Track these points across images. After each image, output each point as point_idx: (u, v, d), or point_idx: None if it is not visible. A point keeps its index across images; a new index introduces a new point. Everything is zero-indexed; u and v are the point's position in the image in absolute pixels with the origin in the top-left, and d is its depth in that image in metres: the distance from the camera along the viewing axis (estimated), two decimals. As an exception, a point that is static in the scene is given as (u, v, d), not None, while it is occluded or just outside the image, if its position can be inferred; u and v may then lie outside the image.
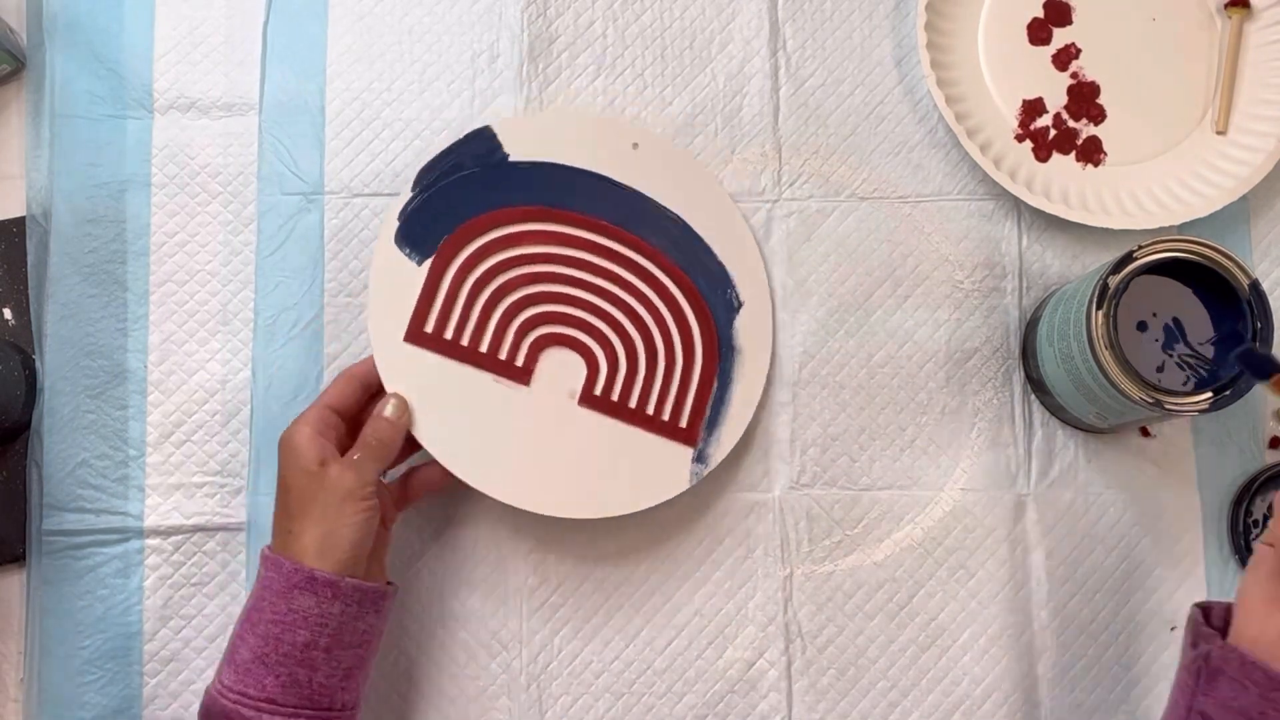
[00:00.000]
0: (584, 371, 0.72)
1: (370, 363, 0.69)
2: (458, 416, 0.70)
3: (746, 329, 0.75)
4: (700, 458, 0.72)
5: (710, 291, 0.74)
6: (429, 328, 0.71)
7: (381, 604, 0.65)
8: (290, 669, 0.60)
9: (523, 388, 0.71)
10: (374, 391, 0.69)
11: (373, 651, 0.65)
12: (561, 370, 0.72)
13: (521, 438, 0.71)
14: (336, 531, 0.62)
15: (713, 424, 0.73)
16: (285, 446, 0.64)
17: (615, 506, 0.71)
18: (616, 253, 0.74)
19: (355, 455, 0.64)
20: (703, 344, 0.74)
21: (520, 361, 0.72)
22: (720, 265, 0.75)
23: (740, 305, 0.75)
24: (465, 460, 0.70)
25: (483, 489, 0.69)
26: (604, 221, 0.74)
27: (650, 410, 0.73)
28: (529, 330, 0.72)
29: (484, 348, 0.71)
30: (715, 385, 0.73)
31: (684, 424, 0.73)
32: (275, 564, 0.62)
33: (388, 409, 0.67)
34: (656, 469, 0.72)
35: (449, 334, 0.71)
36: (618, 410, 0.72)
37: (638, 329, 0.73)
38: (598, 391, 0.72)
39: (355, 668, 0.63)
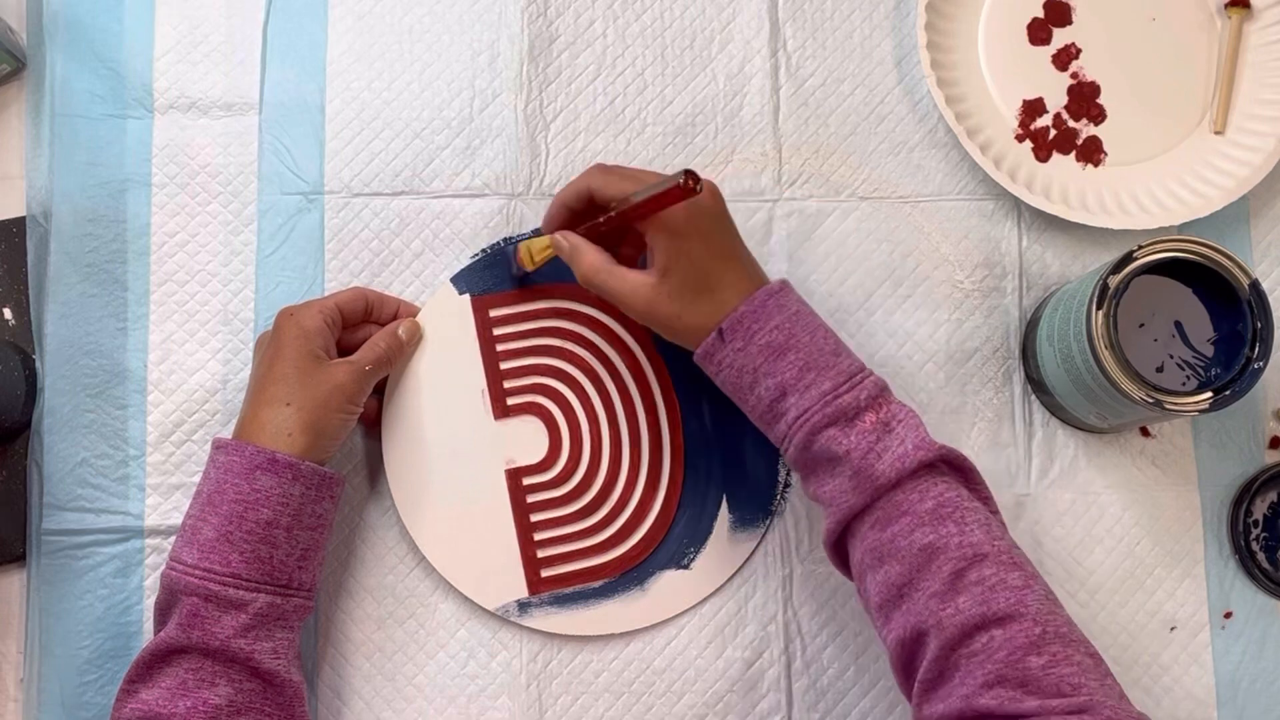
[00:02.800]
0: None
1: (379, 293, 0.73)
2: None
3: None
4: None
5: None
6: (494, 312, 0.74)
7: (335, 490, 0.67)
8: (254, 545, 0.63)
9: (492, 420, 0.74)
10: (370, 319, 0.72)
11: (326, 536, 0.68)
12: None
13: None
14: (322, 419, 0.66)
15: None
16: (294, 325, 0.67)
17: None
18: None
19: (365, 365, 0.68)
20: None
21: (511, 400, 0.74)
22: None
23: None
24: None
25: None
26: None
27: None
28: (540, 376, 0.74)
29: (510, 359, 0.74)
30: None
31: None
32: (237, 448, 0.64)
33: (401, 329, 0.71)
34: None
35: (504, 327, 0.74)
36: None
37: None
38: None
39: (311, 550, 0.66)
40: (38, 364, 0.74)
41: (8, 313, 0.76)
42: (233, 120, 0.77)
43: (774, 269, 0.76)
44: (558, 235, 0.68)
